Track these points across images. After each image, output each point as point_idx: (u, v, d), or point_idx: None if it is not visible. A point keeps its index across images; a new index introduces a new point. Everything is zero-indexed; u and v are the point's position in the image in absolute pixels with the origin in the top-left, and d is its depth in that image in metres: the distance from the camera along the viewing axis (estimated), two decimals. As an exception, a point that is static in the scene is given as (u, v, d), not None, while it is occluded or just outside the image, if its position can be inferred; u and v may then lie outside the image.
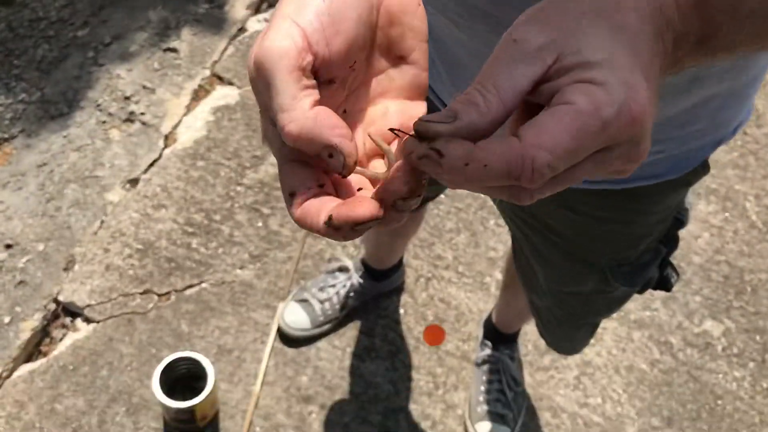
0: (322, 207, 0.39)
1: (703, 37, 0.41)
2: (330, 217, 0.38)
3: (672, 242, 0.98)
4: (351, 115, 0.46)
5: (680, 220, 0.96)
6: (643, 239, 0.95)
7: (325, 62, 0.42)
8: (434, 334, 1.78)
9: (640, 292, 1.03)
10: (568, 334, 1.25)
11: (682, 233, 1.94)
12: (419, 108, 0.46)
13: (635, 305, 1.84)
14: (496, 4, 0.62)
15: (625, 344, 1.80)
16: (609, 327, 1.81)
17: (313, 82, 0.41)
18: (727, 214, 2.03)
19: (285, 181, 0.42)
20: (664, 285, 1.01)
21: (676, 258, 1.90)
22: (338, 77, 0.44)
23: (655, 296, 1.85)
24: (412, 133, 0.37)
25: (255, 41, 0.42)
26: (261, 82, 0.40)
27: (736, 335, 1.83)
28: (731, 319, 1.85)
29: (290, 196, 0.41)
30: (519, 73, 0.36)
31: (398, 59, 0.46)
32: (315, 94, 0.40)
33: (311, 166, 0.42)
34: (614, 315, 1.83)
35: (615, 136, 0.35)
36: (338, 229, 0.38)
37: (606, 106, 0.34)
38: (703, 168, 0.86)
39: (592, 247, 0.97)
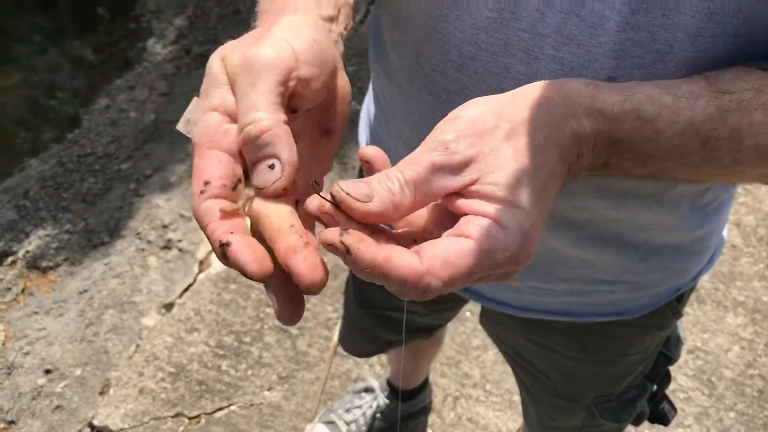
0: (227, 228, 0.40)
1: (606, 164, 0.46)
2: (228, 243, 0.39)
3: (661, 378, 0.98)
4: None
5: (668, 357, 0.96)
6: (624, 378, 0.96)
7: (300, 92, 0.45)
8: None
9: (635, 424, 1.02)
10: None
11: (712, 347, 1.94)
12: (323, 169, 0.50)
13: (667, 423, 1.80)
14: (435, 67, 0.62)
15: (659, 464, 1.75)
16: (641, 446, 1.77)
17: (285, 102, 0.44)
18: (756, 327, 2.01)
19: (204, 168, 0.42)
20: (661, 419, 1.00)
21: (706, 372, 1.89)
22: (299, 112, 0.47)
23: (687, 413, 1.82)
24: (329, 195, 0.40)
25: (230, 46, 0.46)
26: (245, 79, 0.43)
27: (776, 453, 1.77)
28: (770, 436, 1.80)
29: (205, 184, 0.41)
30: (440, 184, 0.41)
31: (323, 132, 0.50)
32: (283, 113, 0.43)
33: (230, 164, 0.43)
34: (647, 433, 1.80)
35: (501, 269, 0.40)
36: (225, 258, 0.39)
37: (501, 251, 0.39)
38: (674, 314, 0.88)
39: (574, 385, 0.98)
